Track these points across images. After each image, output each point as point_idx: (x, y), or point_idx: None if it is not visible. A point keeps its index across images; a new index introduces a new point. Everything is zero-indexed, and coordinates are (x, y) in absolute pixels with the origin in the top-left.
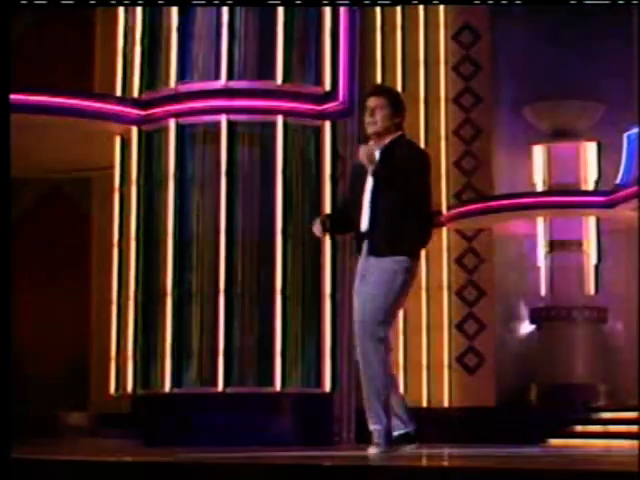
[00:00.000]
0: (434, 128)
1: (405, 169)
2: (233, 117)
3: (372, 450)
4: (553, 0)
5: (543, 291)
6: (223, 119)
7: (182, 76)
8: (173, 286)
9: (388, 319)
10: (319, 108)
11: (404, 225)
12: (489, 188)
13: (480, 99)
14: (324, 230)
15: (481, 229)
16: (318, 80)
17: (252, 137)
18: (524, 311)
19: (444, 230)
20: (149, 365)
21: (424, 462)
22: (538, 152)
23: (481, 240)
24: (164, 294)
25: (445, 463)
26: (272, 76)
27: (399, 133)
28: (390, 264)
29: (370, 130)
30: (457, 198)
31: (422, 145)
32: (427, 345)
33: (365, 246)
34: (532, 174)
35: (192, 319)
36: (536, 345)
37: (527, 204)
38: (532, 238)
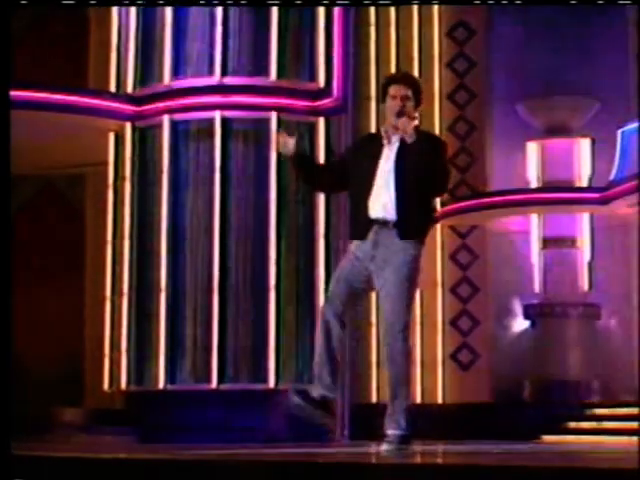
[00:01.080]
0: (428, 124)
1: (437, 154)
2: (227, 114)
3: (384, 447)
4: (553, 0)
5: (537, 288)
6: (217, 116)
7: (176, 72)
8: (167, 282)
9: (411, 315)
10: (313, 104)
11: (430, 208)
12: (483, 185)
13: (474, 95)
14: (287, 149)
15: (475, 226)
16: (312, 76)
17: (246, 134)
18: (518, 308)
19: (438, 227)
20: (143, 361)
21: (420, 459)
22: (532, 148)
23: (475, 237)
24: (158, 291)
25: (440, 460)
26: (266, 72)
27: (415, 123)
28: (414, 250)
29: (396, 120)
30: (451, 194)
31: None
32: (421, 341)
33: (380, 235)
34: (526, 170)
35: (186, 315)
36: (530, 342)
37: (521, 201)
38: (526, 235)
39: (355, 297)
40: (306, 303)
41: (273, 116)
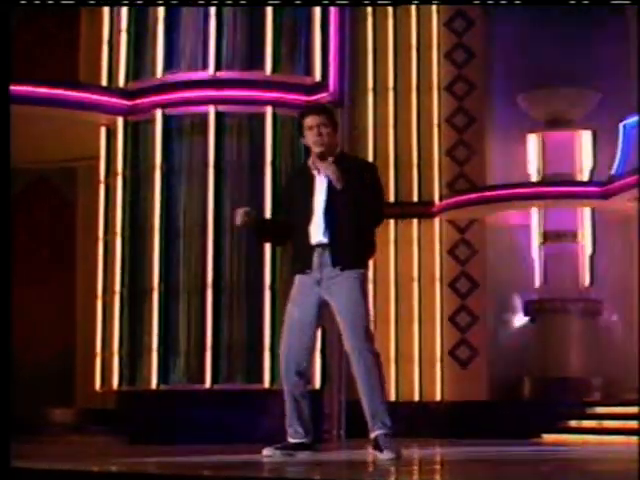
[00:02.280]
0: (426, 116)
1: (368, 183)
2: (221, 108)
3: (386, 455)
4: (553, 0)
5: (537, 283)
6: (211, 110)
7: (169, 66)
8: (159, 280)
9: (369, 320)
10: (309, 99)
11: (368, 237)
12: (482, 178)
13: (473, 87)
14: (247, 222)
15: (474, 220)
16: (308, 70)
17: (240, 128)
18: (518, 303)
19: (436, 221)
20: (135, 361)
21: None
22: (532, 141)
23: (474, 231)
24: (150, 288)
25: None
26: (261, 66)
27: (339, 149)
28: (358, 275)
29: (318, 148)
30: (449, 188)
31: (414, 134)
32: (419, 338)
33: (324, 258)
34: (526, 163)
35: (179, 314)
36: (530, 338)
37: (521, 195)
38: (526, 229)
39: (311, 332)
40: None
41: (268, 111)
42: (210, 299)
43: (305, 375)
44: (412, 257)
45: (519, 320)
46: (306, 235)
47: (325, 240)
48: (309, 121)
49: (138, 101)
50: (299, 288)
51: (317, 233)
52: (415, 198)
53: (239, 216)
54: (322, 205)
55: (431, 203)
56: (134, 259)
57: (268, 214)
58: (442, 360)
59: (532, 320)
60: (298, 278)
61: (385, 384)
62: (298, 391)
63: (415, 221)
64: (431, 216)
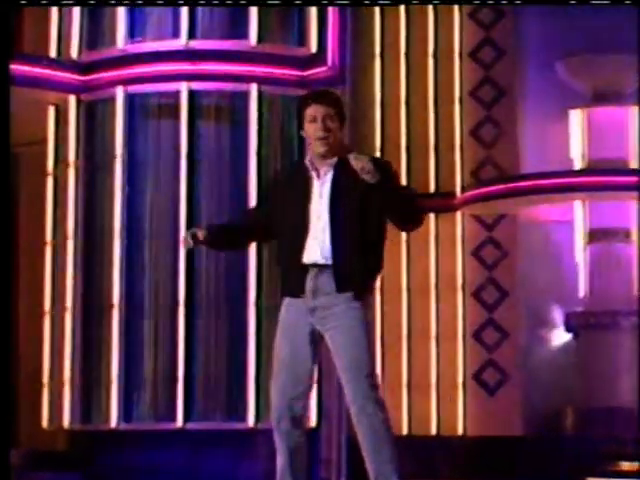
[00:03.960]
0: (446, 89)
1: (391, 183)
2: (196, 85)
3: None
4: (553, 0)
5: (581, 292)
6: (183, 88)
7: (132, 34)
8: (121, 295)
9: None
10: (303, 74)
11: (376, 254)
12: (513, 164)
13: (502, 52)
14: (194, 243)
15: (503, 215)
16: (302, 40)
17: (219, 110)
18: (557, 316)
19: (458, 216)
20: (91, 393)
21: None
22: (575, 119)
23: (503, 228)
24: (109, 305)
25: None
26: (244, 35)
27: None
28: (360, 305)
29: (321, 147)
30: (474, 176)
31: (431, 110)
32: (436, 359)
33: (319, 282)
34: (567, 146)
35: (144, 337)
36: (572, 359)
37: (561, 185)
38: (567, 226)
39: (306, 371)
40: None
41: (253, 89)
42: (182, 319)
43: (301, 422)
44: (428, 260)
45: (559, 337)
46: (296, 251)
47: (322, 260)
48: (311, 111)
49: (94, 76)
50: (288, 317)
51: (313, 250)
52: (432, 188)
53: (183, 242)
54: (322, 216)
55: (451, 195)
56: (89, 268)
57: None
58: (464, 386)
59: (575, 337)
60: (287, 303)
61: (394, 440)
62: (292, 441)
63: (432, 216)
64: (451, 210)
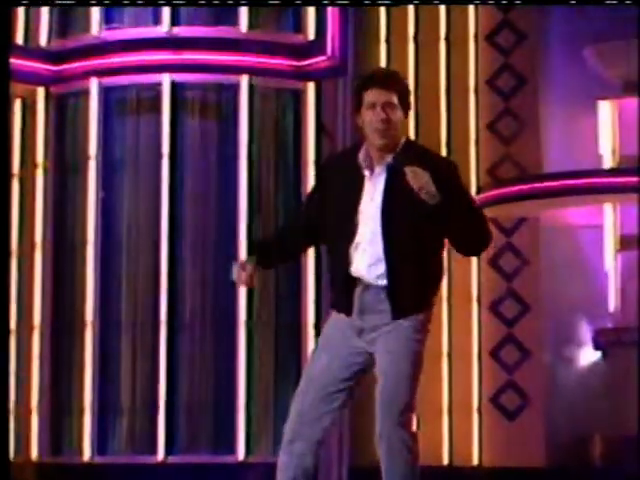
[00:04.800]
0: (459, 77)
1: (455, 191)
2: (179, 77)
3: None
4: (554, 0)
5: (611, 305)
6: (165, 79)
7: (108, 19)
8: (95, 313)
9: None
10: (299, 64)
11: (435, 267)
12: (535, 161)
13: (523, 36)
14: (251, 280)
15: (524, 218)
16: (298, 26)
17: (205, 105)
18: (585, 333)
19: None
20: (61, 422)
21: None
22: (604, 110)
23: (524, 234)
24: (82, 324)
25: None
26: (234, 21)
27: (404, 138)
28: (415, 323)
29: (380, 140)
30: (491, 175)
31: (442, 101)
32: (449, 380)
33: (367, 300)
34: (596, 141)
35: (121, 359)
36: (601, 380)
37: (589, 186)
38: (596, 231)
39: (339, 393)
40: (289, 342)
41: (243, 80)
42: (164, 338)
43: (317, 448)
44: None
45: (586, 356)
46: (342, 260)
47: (370, 277)
48: (370, 96)
49: (65, 66)
50: (333, 331)
51: (361, 263)
52: None
53: (241, 281)
54: (370, 223)
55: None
56: (60, 282)
57: (243, 221)
58: (480, 410)
59: (605, 356)
60: (334, 318)
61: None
62: (302, 467)
63: None
64: None
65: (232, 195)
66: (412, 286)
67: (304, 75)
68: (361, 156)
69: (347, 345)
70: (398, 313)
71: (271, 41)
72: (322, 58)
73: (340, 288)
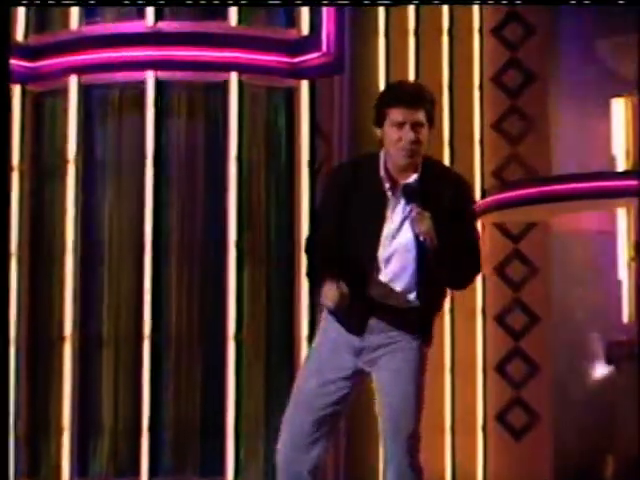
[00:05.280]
0: (462, 73)
1: (464, 218)
2: (164, 74)
3: None
4: (555, 0)
5: (625, 316)
6: (149, 77)
7: (88, 13)
8: (74, 326)
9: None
10: (292, 61)
11: (441, 296)
12: (545, 163)
13: (532, 30)
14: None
15: (532, 224)
16: (290, 21)
17: (192, 104)
18: (597, 346)
19: (478, 224)
20: (38, 443)
21: None
22: (618, 108)
23: (533, 240)
24: (60, 337)
25: None
26: (222, 14)
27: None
28: (418, 345)
29: (405, 160)
30: (497, 177)
31: (445, 98)
32: (451, 396)
33: (388, 322)
34: (609, 141)
35: (102, 376)
36: (615, 396)
37: (602, 189)
38: (609, 237)
39: (332, 416)
40: (281, 359)
41: (232, 78)
42: (147, 354)
43: (314, 476)
44: None
45: (599, 370)
46: (362, 280)
47: (397, 299)
48: (398, 115)
49: (43, 62)
50: (327, 348)
51: (386, 284)
52: None
53: (335, 294)
54: (394, 245)
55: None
56: (36, 293)
57: (233, 231)
58: (485, 429)
59: (618, 370)
60: (329, 329)
61: None
62: None
63: None
64: None
65: (220, 201)
66: (434, 307)
67: (297, 73)
68: (382, 172)
69: (340, 367)
70: (405, 327)
71: (262, 36)
72: (317, 54)
73: (356, 309)
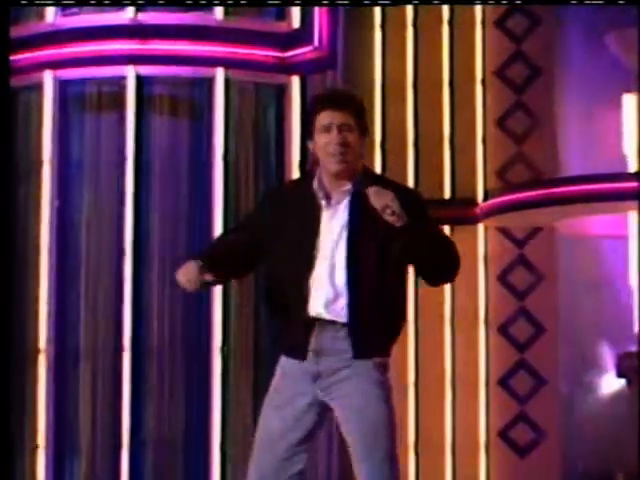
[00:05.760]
0: (464, 66)
1: (421, 220)
2: (145, 70)
3: None
4: (554, 0)
5: (637, 326)
6: (130, 73)
7: (64, 5)
8: (49, 339)
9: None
10: (282, 55)
11: (399, 304)
12: (551, 162)
13: (537, 21)
14: (206, 282)
15: (538, 228)
16: (281, 12)
17: (175, 101)
18: (606, 358)
19: (479, 229)
20: (13, 463)
21: None
22: (630, 104)
23: (538, 245)
24: (35, 350)
25: None
26: (207, 6)
27: (362, 165)
28: (377, 366)
29: (336, 166)
30: (500, 178)
31: (445, 94)
32: (452, 412)
33: (325, 341)
34: (620, 140)
35: (79, 390)
36: (625, 411)
37: (612, 191)
38: (620, 242)
39: (298, 455)
40: (271, 373)
41: (219, 74)
42: (128, 367)
43: None
44: (442, 285)
45: (608, 384)
46: (298, 300)
47: (330, 315)
48: (324, 118)
49: (16, 57)
50: (283, 382)
51: (319, 299)
52: (446, 194)
53: (188, 282)
54: (329, 257)
55: (471, 202)
56: (9, 303)
57: (218, 234)
58: (488, 447)
59: (628, 384)
60: (283, 364)
61: None
62: None
63: (446, 229)
64: (471, 222)
65: (206, 204)
66: (375, 323)
67: (288, 68)
68: (316, 185)
69: (300, 399)
70: (360, 351)
71: (250, 29)
72: (308, 48)
73: (294, 330)
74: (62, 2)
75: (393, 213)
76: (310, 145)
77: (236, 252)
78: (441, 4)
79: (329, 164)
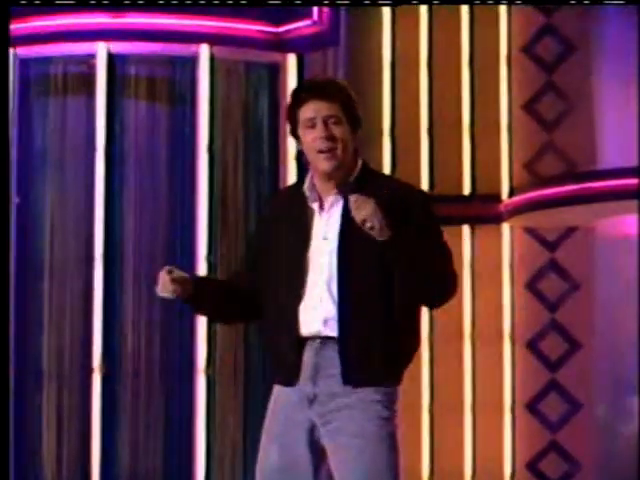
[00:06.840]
0: (485, 44)
1: (422, 227)
2: (119, 47)
3: None
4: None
5: None
6: (101, 51)
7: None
8: (8, 359)
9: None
10: (276, 31)
11: (408, 325)
12: (588, 152)
13: None
14: (180, 292)
15: (572, 228)
16: None
17: (153, 82)
18: None
19: (504, 229)
20: None
21: None
22: None
23: (572, 248)
24: None
25: None
26: (207, 6)
27: (360, 162)
28: (383, 398)
29: (325, 164)
30: (529, 171)
31: (465, 74)
32: (472, 441)
33: (322, 360)
34: None
35: (43, 418)
36: None
37: None
38: None
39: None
40: (261, 397)
41: (203, 51)
42: (98, 389)
43: None
44: (460, 295)
45: None
46: (288, 318)
47: (328, 331)
48: (308, 111)
49: None
50: (278, 412)
51: (314, 316)
52: (466, 190)
53: (164, 283)
54: (325, 267)
55: (495, 199)
56: None
57: (203, 240)
58: (514, 477)
59: None
60: (278, 392)
61: None
62: None
63: (466, 230)
64: (495, 222)
65: (188, 200)
66: (375, 344)
67: (283, 45)
68: (306, 186)
69: (299, 423)
70: (352, 373)
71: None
72: (306, 23)
73: (287, 353)
74: (62, 2)
75: (372, 228)
76: (298, 145)
77: (232, 293)
78: (442, 4)
79: (318, 162)
